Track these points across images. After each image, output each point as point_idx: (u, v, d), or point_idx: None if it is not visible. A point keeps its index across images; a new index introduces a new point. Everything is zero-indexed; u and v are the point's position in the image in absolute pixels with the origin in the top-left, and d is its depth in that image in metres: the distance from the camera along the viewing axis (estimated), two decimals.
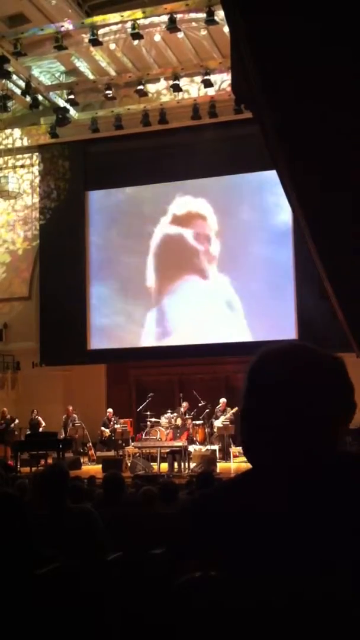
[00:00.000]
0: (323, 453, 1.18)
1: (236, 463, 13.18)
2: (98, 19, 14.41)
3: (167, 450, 13.00)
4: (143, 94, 16.01)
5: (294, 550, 1.12)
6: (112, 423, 14.76)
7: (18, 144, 18.35)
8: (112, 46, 15.46)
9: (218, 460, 13.07)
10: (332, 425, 1.21)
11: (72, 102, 16.62)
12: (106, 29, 14.67)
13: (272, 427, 1.19)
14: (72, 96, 16.52)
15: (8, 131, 18.35)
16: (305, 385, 1.19)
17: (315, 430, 1.18)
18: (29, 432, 14.58)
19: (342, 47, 2.24)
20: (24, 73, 15.83)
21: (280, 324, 15.59)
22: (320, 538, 1.12)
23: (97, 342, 17.20)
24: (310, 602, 1.10)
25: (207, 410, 14.59)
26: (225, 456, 13.65)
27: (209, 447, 13.51)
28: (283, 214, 14.31)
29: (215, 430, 14.13)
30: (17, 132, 18.31)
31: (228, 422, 13.76)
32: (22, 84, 16.04)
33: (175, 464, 12.83)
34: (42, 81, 16.49)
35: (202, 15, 13.74)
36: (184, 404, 14.59)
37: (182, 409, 14.41)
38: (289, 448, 1.17)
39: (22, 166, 18.43)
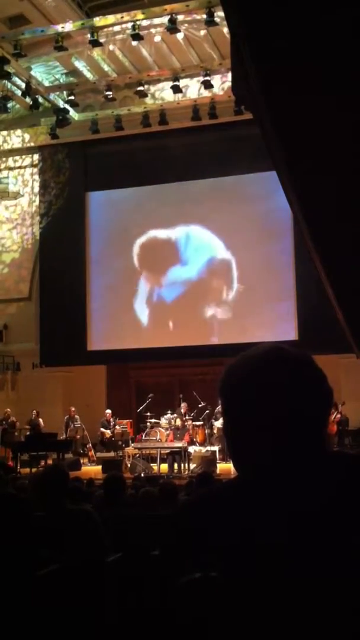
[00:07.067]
0: (317, 451, 1.18)
1: None
2: (98, 20, 14.42)
3: (167, 451, 12.99)
4: (143, 95, 16.03)
5: (293, 551, 1.12)
6: (112, 424, 14.76)
7: (18, 144, 18.36)
8: (112, 47, 15.47)
9: (218, 461, 13.04)
10: (321, 422, 1.21)
11: (72, 103, 16.65)
12: (106, 30, 14.68)
13: (259, 434, 1.18)
14: (72, 97, 16.55)
15: (8, 132, 18.36)
16: (286, 385, 1.18)
17: (305, 428, 1.18)
18: (28, 433, 14.58)
19: (342, 50, 2.24)
20: (24, 74, 15.84)
21: (281, 325, 15.60)
22: (320, 538, 1.12)
23: (97, 343, 17.19)
24: (310, 602, 1.10)
25: (207, 411, 14.57)
26: (225, 457, 13.61)
27: (208, 448, 13.49)
28: (283, 214, 14.29)
29: (215, 431, 14.11)
30: (17, 133, 18.32)
31: None
32: (22, 84, 16.04)
33: (175, 465, 12.82)
34: (42, 82, 16.50)
35: (202, 16, 13.74)
36: (184, 405, 14.58)
37: (182, 410, 14.40)
38: (281, 451, 1.17)
39: (22, 167, 18.44)
